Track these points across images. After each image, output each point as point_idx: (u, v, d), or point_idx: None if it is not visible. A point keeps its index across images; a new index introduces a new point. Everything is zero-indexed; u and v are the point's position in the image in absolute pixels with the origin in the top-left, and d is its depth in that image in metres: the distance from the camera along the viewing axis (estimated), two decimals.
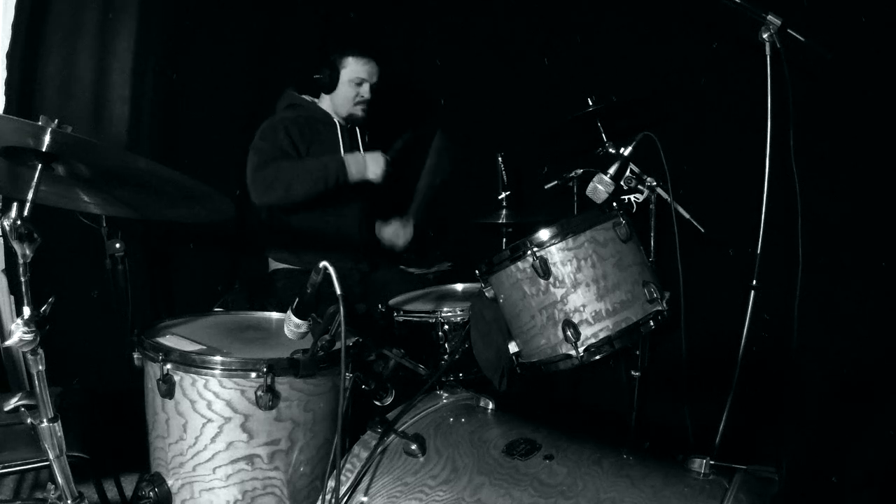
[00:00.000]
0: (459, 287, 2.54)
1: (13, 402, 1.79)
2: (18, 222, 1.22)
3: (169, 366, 1.52)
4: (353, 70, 2.63)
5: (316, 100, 2.71)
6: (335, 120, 2.68)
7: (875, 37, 2.11)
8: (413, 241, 2.80)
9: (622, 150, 1.88)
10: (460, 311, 2.05)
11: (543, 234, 1.67)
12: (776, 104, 1.85)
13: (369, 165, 2.52)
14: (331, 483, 1.31)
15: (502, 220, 2.64)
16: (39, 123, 1.20)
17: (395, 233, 2.76)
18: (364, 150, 2.78)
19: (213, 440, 1.51)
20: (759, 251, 1.93)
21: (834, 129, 2.20)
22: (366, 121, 2.74)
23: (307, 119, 2.64)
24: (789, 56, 1.81)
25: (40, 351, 1.26)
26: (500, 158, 2.65)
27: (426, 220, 2.76)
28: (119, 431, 1.92)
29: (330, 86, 2.63)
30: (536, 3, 2.99)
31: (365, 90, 2.65)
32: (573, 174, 2.56)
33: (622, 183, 1.89)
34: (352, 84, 2.63)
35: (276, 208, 2.57)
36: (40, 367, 1.28)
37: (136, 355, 1.62)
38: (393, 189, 2.67)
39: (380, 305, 2.20)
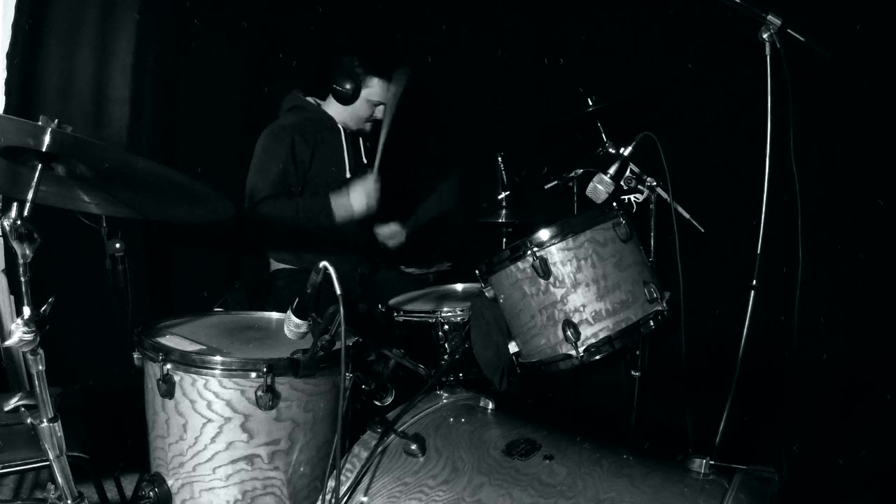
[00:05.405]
0: (459, 287, 2.54)
1: (13, 402, 1.79)
2: (18, 222, 1.22)
3: (169, 366, 1.52)
4: (376, 92, 2.63)
5: (321, 102, 2.71)
6: (340, 126, 2.69)
7: (875, 37, 2.11)
8: (411, 242, 2.80)
9: (622, 150, 1.88)
10: (460, 311, 2.05)
11: (543, 234, 1.67)
12: (776, 104, 1.84)
13: (354, 203, 2.47)
14: (331, 483, 1.31)
15: (502, 220, 2.64)
16: (39, 123, 1.20)
17: (391, 234, 2.79)
18: (365, 157, 2.78)
19: (213, 440, 1.51)
20: (759, 251, 1.93)
21: (834, 129, 2.20)
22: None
23: (312, 123, 2.63)
24: (789, 56, 1.81)
25: (40, 351, 1.26)
26: (499, 158, 2.65)
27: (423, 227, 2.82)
28: (119, 431, 1.92)
29: (349, 99, 2.63)
30: (536, 3, 2.99)
31: (380, 111, 2.66)
32: (573, 174, 2.56)
33: (622, 183, 1.89)
34: (370, 104, 2.65)
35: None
36: (40, 367, 1.28)
37: (136, 355, 1.62)
38: (394, 196, 2.67)
39: (380, 305, 2.20)
